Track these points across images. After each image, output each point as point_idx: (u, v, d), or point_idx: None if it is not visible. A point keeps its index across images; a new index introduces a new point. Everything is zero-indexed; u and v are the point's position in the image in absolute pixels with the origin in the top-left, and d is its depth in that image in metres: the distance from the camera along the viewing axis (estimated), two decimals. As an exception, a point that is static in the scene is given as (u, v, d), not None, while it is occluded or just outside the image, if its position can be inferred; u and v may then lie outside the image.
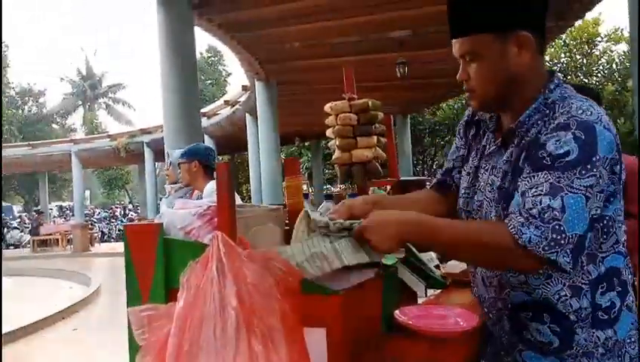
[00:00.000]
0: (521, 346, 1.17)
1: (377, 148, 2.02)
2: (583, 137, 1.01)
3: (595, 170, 1.00)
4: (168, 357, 0.90)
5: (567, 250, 0.98)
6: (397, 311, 1.36)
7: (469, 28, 1.10)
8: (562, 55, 10.53)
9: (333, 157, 2.05)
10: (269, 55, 7.24)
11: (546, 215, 0.98)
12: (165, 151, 3.35)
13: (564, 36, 10.36)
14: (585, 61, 10.11)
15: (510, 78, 1.11)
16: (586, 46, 10.02)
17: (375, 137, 2.01)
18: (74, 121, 39.72)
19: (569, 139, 1.01)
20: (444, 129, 14.18)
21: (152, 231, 1.22)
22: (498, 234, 1.02)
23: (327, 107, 2.03)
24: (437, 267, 2.05)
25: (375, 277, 1.28)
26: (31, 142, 20.91)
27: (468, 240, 1.07)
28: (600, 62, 10.00)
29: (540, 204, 0.99)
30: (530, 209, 1.00)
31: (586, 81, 9.67)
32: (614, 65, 9.70)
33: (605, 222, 1.08)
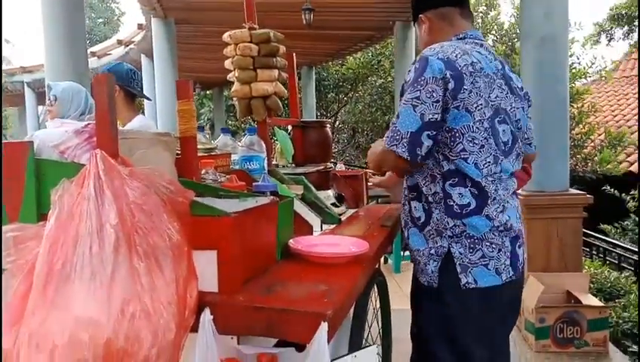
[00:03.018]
0: (410, 224, 1.56)
1: (278, 83, 1.97)
2: (417, 66, 1.42)
3: (419, 86, 1.38)
4: (36, 277, 0.81)
5: (404, 143, 1.40)
6: (291, 240, 1.36)
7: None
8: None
9: (232, 89, 1.96)
10: (167, -12, 6.75)
11: (392, 126, 1.44)
12: (46, 84, 2.94)
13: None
14: (481, 22, 10.60)
15: (427, 44, 1.55)
16: (484, 7, 10.51)
17: (276, 71, 1.95)
18: (-63, 54, 34.58)
19: (411, 69, 1.44)
20: (348, 85, 14.32)
21: (19, 150, 1.08)
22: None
23: (225, 36, 1.92)
24: (334, 205, 2.09)
25: (269, 204, 1.26)
26: None
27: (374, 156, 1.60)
28: (494, 25, 10.54)
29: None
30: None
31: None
32: (505, 29, 10.29)
33: (453, 133, 1.40)
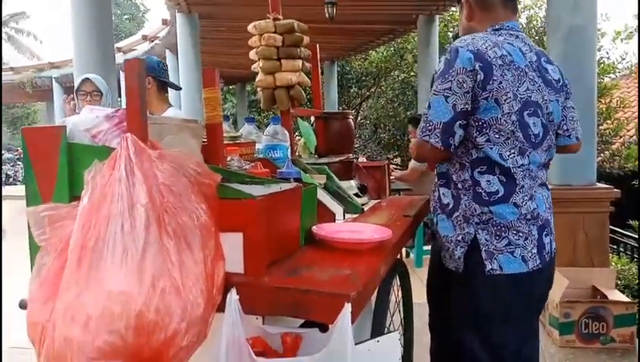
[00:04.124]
0: (439, 210, 1.59)
1: (302, 73, 1.98)
2: (448, 57, 1.43)
3: (450, 77, 1.41)
4: (70, 253, 0.84)
5: (437, 133, 1.43)
6: (315, 227, 1.38)
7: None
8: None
9: (257, 79, 1.98)
10: (192, -17, 6.82)
11: (424, 117, 1.47)
12: (81, 79, 2.93)
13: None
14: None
15: (464, 30, 1.61)
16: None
17: (300, 61, 1.96)
18: (-30, 52, 35.48)
19: (441, 60, 1.46)
20: (371, 79, 14.24)
21: (53, 135, 1.12)
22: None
23: (250, 26, 1.94)
24: (356, 195, 2.10)
25: (293, 190, 1.28)
26: None
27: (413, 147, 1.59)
28: (521, 21, 10.40)
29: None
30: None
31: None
32: (534, 25, 10.13)
33: (481, 123, 1.42)
